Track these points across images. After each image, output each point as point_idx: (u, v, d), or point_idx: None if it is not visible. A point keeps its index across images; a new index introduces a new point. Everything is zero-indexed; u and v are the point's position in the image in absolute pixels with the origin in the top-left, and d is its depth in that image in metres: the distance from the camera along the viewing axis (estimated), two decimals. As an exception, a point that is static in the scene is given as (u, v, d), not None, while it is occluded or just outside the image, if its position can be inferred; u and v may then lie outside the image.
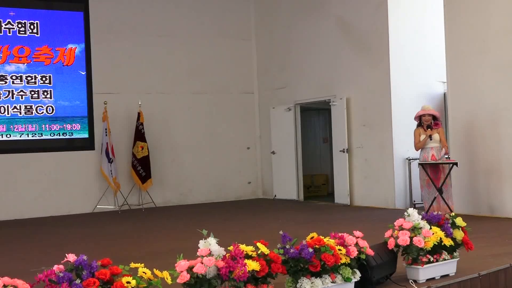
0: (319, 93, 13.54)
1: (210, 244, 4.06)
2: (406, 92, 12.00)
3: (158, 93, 14.10)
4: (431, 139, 9.23)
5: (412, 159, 11.81)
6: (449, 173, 9.18)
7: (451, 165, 9.21)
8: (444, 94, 12.20)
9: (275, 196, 14.53)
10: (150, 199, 13.57)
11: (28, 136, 12.72)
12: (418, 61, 12.22)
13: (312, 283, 4.32)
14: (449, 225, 5.40)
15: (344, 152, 12.67)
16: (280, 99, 14.57)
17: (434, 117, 9.37)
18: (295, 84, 14.23)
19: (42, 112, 12.85)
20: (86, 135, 13.29)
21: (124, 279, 3.64)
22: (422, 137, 9.34)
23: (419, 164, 9.63)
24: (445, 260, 5.25)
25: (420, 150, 9.48)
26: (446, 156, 9.30)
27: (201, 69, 14.58)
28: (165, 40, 14.18)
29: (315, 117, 16.40)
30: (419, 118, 9.47)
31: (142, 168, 13.23)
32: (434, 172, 9.33)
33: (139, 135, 13.23)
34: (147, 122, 13.46)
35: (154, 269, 3.86)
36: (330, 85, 13.21)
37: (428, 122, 9.30)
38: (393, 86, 11.83)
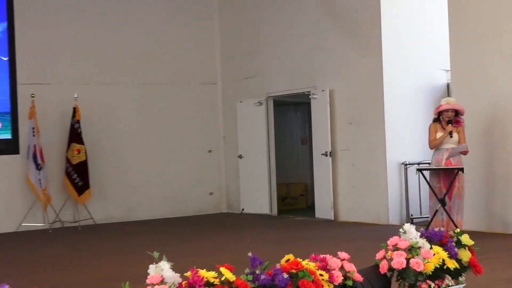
0: (296, 84, 13.58)
1: (162, 270, 4.03)
2: (402, 83, 12.10)
3: (98, 84, 14.01)
4: (451, 136, 9.32)
5: (409, 164, 11.92)
6: (454, 179, 9.26)
7: (456, 171, 9.31)
8: (448, 84, 12.34)
9: (243, 210, 14.54)
10: (89, 214, 13.46)
11: None
12: (416, 46, 12.33)
13: (287, 316, 4.31)
14: (454, 243, 5.44)
15: (326, 155, 12.72)
16: (249, 91, 14.58)
17: (457, 113, 9.48)
18: (267, 73, 14.25)
19: (-47, 107, 12.70)
20: (8, 136, 13.14)
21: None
22: (439, 134, 9.42)
23: (417, 170, 9.71)
24: (448, 286, 5.29)
25: (433, 150, 9.56)
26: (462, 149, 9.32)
27: (152, 55, 14.52)
28: (108, 19, 14.09)
29: (291, 113, 16.44)
30: (438, 113, 9.53)
31: (79, 177, 13.13)
32: (448, 179, 9.39)
33: (75, 136, 13.13)
34: (84, 119, 13.36)
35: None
36: (310, 74, 13.26)
37: (450, 118, 9.41)
38: (386, 76, 11.92)
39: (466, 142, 9.45)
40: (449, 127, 9.35)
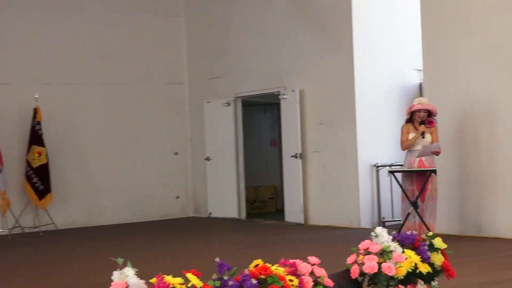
0: (265, 84, 13.59)
1: (127, 276, 4.00)
2: (374, 83, 12.16)
3: (60, 83, 13.90)
4: (423, 137, 9.36)
5: (381, 166, 11.98)
6: (426, 182, 9.33)
7: (428, 173, 9.37)
8: (420, 84, 12.42)
9: (210, 213, 14.51)
10: (50, 219, 13.35)
11: None
12: (388, 45, 12.41)
13: (256, 323, 4.30)
14: (426, 247, 5.47)
15: (296, 157, 12.75)
16: (216, 92, 14.56)
17: (429, 113, 9.53)
18: (236, 72, 14.25)
19: None
20: (-35, 138, 12.99)
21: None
22: (411, 135, 9.47)
23: (389, 172, 9.76)
24: (421, 291, 5.32)
25: (406, 152, 9.61)
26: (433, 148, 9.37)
27: (117, 54, 14.45)
28: (70, 16, 13.99)
29: (260, 114, 16.45)
30: (411, 113, 9.58)
31: (39, 180, 13.03)
32: (421, 181, 9.45)
33: (36, 138, 13.03)
34: (46, 121, 13.26)
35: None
36: (280, 74, 13.28)
37: (422, 118, 9.46)
38: (358, 76, 11.98)
39: (438, 142, 9.52)
40: (421, 128, 9.42)
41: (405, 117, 9.82)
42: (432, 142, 9.47)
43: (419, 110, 9.49)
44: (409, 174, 9.51)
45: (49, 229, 13.27)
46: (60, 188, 13.61)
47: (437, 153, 9.45)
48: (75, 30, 14.06)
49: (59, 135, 13.73)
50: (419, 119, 9.47)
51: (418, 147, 9.44)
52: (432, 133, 9.50)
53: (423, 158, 9.42)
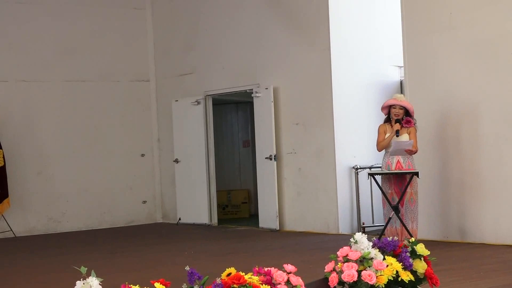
0: (237, 81, 13.59)
1: (91, 286, 4.00)
2: (352, 81, 12.21)
3: (17, 81, 13.84)
4: (397, 135, 9.32)
5: (360, 168, 12.03)
6: (408, 185, 9.37)
7: (410, 175, 9.41)
8: (401, 82, 12.50)
9: (180, 219, 14.49)
10: (7, 226, 13.27)
11: None
12: (367, 40, 12.46)
13: (229, 335, 4.32)
14: (408, 254, 5.51)
15: (271, 159, 12.77)
16: (185, 89, 14.55)
17: (407, 113, 9.51)
18: (206, 69, 14.24)
19: None
20: None
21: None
22: (388, 135, 9.46)
23: (369, 174, 9.79)
24: (403, 300, 5.35)
25: (383, 153, 9.61)
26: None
27: (78, 49, 14.39)
28: (27, 9, 13.92)
29: (232, 113, 16.45)
30: (388, 111, 9.57)
31: (-4, 184, 12.96)
32: (400, 184, 9.48)
33: (-9, 139, 12.95)
34: (2, 120, 13.22)
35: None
36: (252, 71, 13.29)
37: (398, 116, 9.43)
38: (335, 73, 12.01)
39: (417, 145, 9.47)
40: (396, 125, 9.36)
41: (384, 116, 9.81)
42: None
43: (394, 106, 9.47)
44: (387, 176, 9.54)
45: (7, 237, 13.20)
46: (18, 192, 13.53)
47: (410, 152, 9.39)
48: (33, 23, 13.98)
49: (17, 136, 13.66)
50: (395, 116, 9.45)
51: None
52: (410, 133, 9.44)
53: (401, 160, 9.41)
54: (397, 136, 9.32)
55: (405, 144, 9.30)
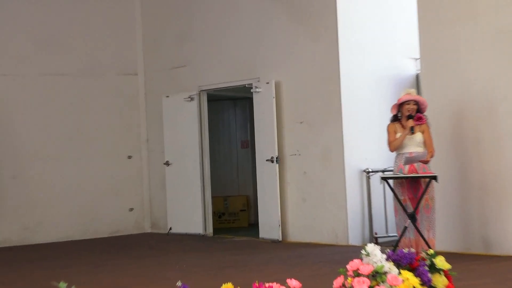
0: (235, 75, 13.59)
1: (70, 305, 3.97)
2: (363, 74, 12.21)
3: (-10, 74, 13.87)
4: (413, 132, 9.30)
5: (372, 172, 12.01)
6: (425, 191, 9.34)
7: (428, 179, 9.38)
8: (417, 76, 12.48)
9: (171, 229, 14.49)
10: (-21, 236, 13.29)
11: None
12: (379, 30, 12.46)
13: None
14: (426, 268, 5.49)
15: (273, 162, 12.75)
16: (177, 84, 14.54)
17: (418, 109, 9.48)
18: (201, 61, 14.23)
19: None
20: None
21: None
22: (400, 135, 9.42)
23: (382, 178, 9.76)
24: (421, 319, 5.33)
25: (395, 155, 9.57)
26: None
27: (57, 40, 14.41)
28: (0, -5, 13.95)
29: (230, 111, 16.45)
30: (398, 109, 9.53)
31: (-34, 190, 12.98)
32: (414, 189, 9.44)
33: (-39, 139, 12.96)
34: (-27, 118, 13.19)
35: None
36: (252, 63, 13.29)
37: (411, 112, 9.40)
38: (344, 65, 12.00)
39: (433, 145, 9.45)
40: (410, 122, 9.33)
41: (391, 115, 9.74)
42: (424, 143, 9.41)
43: (408, 102, 9.47)
44: (399, 181, 9.50)
45: (-22, 249, 13.21)
46: (-10, 199, 13.55)
47: (426, 162, 9.41)
48: (7, 13, 13.98)
49: (-11, 136, 13.68)
50: (407, 112, 9.44)
51: (409, 149, 9.39)
52: (424, 131, 9.44)
53: (415, 163, 9.40)
54: (412, 133, 9.31)
55: (419, 156, 9.28)
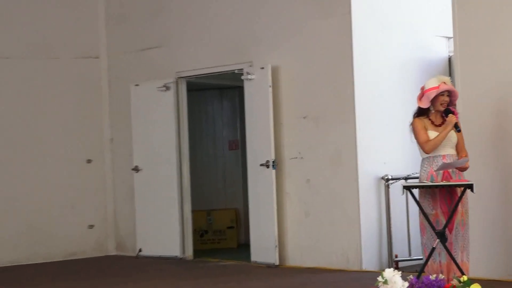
0: (222, 58, 13.62)
1: None
2: (382, 57, 12.24)
3: None
4: (459, 130, 9.24)
5: (392, 179, 12.02)
6: (458, 203, 9.34)
7: (463, 189, 9.39)
8: (450, 58, 12.51)
9: (140, 251, 14.51)
10: None
11: None
12: (403, 2, 12.48)
13: None
14: (459, 298, 5.51)
15: (268, 167, 12.76)
16: (149, 70, 14.58)
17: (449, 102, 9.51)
18: (178, 42, 14.28)
19: None
20: None
21: None
22: (431, 133, 9.36)
23: (404, 187, 9.75)
24: None
25: (422, 160, 9.53)
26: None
27: (4, 16, 14.44)
28: None
29: (215, 103, 16.49)
30: (429, 101, 9.48)
31: None
32: (449, 200, 9.42)
33: None
34: None
35: None
36: (243, 44, 13.32)
37: (447, 104, 9.38)
38: (358, 46, 12.02)
39: (464, 145, 9.44)
40: (452, 118, 9.29)
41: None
42: (458, 143, 9.40)
43: (442, 93, 9.46)
44: (429, 191, 9.46)
45: None
46: None
47: (463, 169, 9.40)
48: None
49: None
50: (441, 106, 9.41)
51: (444, 152, 9.37)
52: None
53: (449, 169, 9.37)
54: (458, 131, 9.25)
55: (458, 162, 9.24)
